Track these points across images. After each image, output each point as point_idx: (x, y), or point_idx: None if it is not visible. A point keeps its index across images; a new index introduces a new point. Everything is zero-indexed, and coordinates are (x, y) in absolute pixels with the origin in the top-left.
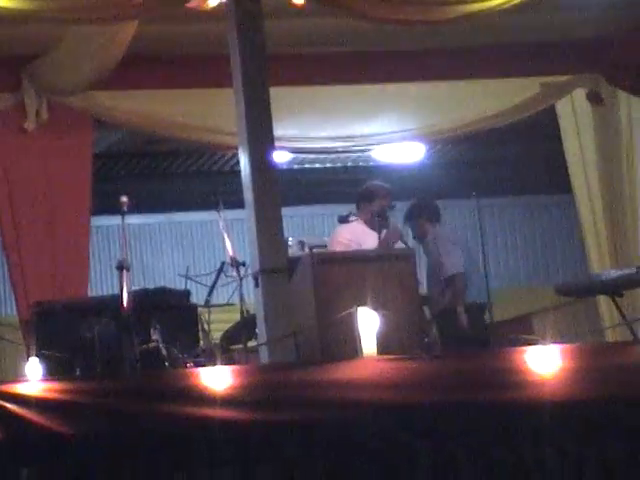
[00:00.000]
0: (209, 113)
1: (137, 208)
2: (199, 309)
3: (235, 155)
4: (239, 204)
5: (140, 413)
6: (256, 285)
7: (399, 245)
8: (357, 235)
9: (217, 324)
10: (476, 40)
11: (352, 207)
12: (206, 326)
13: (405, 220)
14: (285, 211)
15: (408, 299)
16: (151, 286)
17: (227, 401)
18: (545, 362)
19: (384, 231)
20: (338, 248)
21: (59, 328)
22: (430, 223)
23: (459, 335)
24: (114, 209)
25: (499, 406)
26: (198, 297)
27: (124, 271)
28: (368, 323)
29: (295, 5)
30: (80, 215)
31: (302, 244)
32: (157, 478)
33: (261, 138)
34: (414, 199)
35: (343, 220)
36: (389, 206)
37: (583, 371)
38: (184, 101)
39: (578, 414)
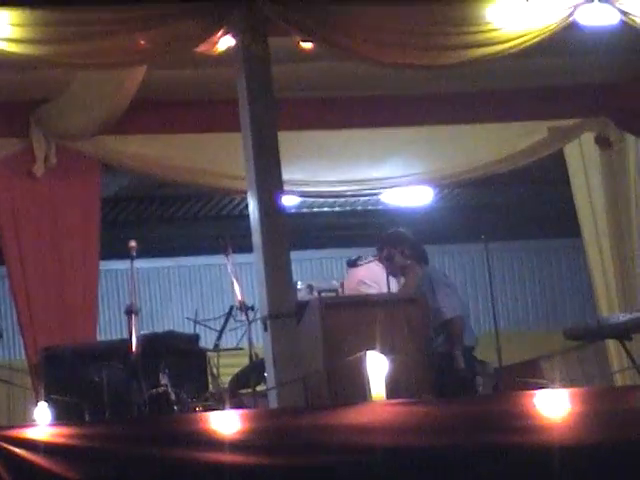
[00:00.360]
0: (217, 157)
1: (146, 252)
2: (208, 353)
3: (244, 199)
4: (248, 248)
5: (149, 458)
6: (265, 329)
7: None
8: (377, 275)
9: (226, 368)
10: (483, 84)
11: (361, 251)
12: (215, 370)
13: (383, 249)
14: (294, 255)
15: (417, 343)
16: (160, 330)
17: (236, 446)
18: (554, 406)
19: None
20: (361, 288)
21: (68, 373)
22: (419, 265)
23: (457, 379)
24: (123, 253)
25: (508, 450)
26: (207, 341)
27: (133, 315)
28: (377, 367)
29: (303, 49)
30: (88, 259)
31: (311, 288)
32: None
33: (269, 182)
34: (391, 229)
35: (352, 264)
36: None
37: (592, 415)
38: (192, 145)
39: (587, 458)
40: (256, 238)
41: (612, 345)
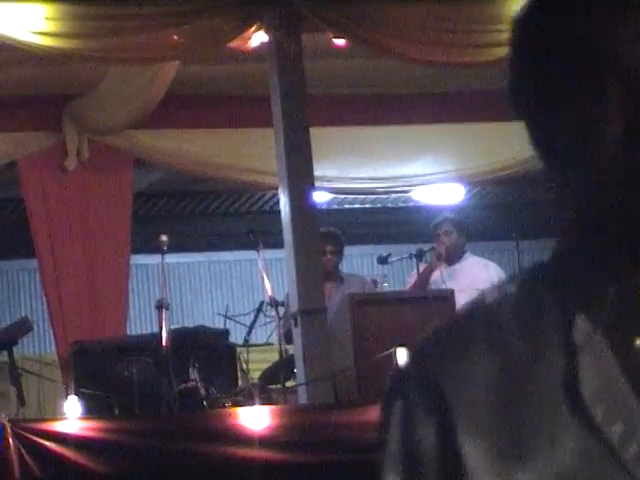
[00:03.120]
0: (249, 153)
1: (177, 247)
2: (238, 349)
3: (275, 195)
4: (278, 244)
5: (178, 453)
6: (295, 325)
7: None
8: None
9: (255, 364)
10: None
11: (391, 248)
12: (244, 366)
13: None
14: None
15: None
16: (190, 325)
17: (265, 441)
18: None
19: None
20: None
21: (98, 367)
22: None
23: None
24: (154, 248)
25: None
26: (237, 337)
27: (163, 310)
28: None
29: (336, 46)
30: (120, 254)
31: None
32: None
33: (301, 178)
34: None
35: (383, 261)
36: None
37: None
38: (224, 141)
39: None
40: (287, 234)
41: None
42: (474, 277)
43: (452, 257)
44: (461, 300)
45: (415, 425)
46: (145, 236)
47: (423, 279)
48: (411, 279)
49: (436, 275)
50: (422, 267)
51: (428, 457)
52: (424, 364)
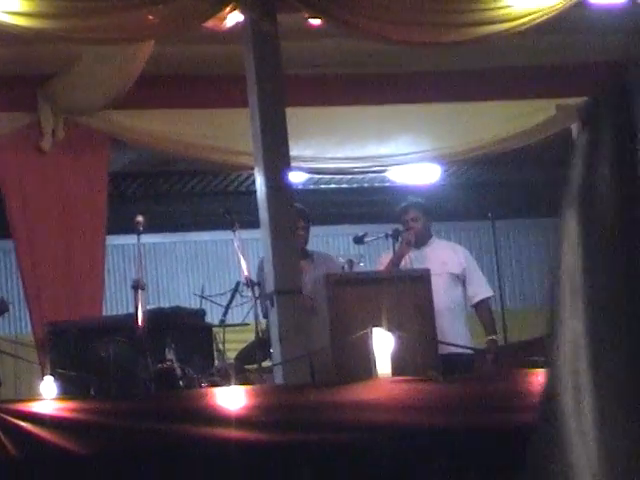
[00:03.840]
0: (225, 133)
1: (153, 228)
2: (214, 329)
3: (251, 175)
4: (254, 224)
5: (154, 433)
6: (271, 305)
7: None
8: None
9: (232, 344)
10: (492, 62)
11: (367, 228)
12: (221, 346)
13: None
14: None
15: (423, 320)
16: (166, 305)
17: (241, 421)
18: None
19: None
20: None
21: (74, 347)
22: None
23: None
24: (130, 228)
25: (513, 429)
26: (213, 317)
27: (139, 290)
28: (383, 344)
29: (311, 26)
30: (95, 234)
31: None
32: None
33: (277, 158)
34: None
35: (359, 241)
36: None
37: None
38: (200, 121)
39: None
40: (263, 214)
41: None
42: (443, 260)
43: (419, 241)
44: (434, 283)
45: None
46: (121, 216)
47: (395, 264)
48: (383, 260)
49: (405, 260)
50: (397, 247)
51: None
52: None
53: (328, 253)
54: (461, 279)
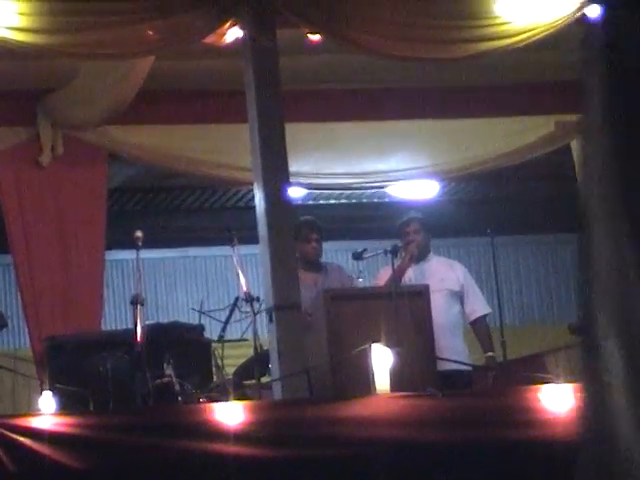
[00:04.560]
0: (224, 149)
1: (152, 243)
2: (213, 344)
3: (250, 191)
4: (253, 239)
5: (153, 448)
6: (270, 321)
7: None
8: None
9: (230, 359)
10: (491, 78)
11: (366, 243)
12: (219, 361)
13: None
14: None
15: (422, 336)
16: (165, 321)
17: (240, 437)
18: (558, 401)
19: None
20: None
21: (72, 362)
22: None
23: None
24: (129, 244)
25: (512, 444)
26: (212, 332)
27: (138, 306)
28: (381, 360)
29: (311, 42)
30: (95, 249)
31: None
32: None
33: (276, 174)
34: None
35: (358, 257)
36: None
37: None
38: (199, 136)
39: None
40: (262, 230)
41: None
42: (442, 277)
43: (419, 256)
44: (432, 299)
45: None
46: (120, 232)
47: (397, 279)
48: (382, 275)
49: (406, 275)
50: (397, 263)
51: None
52: None
53: (339, 264)
54: (459, 296)
